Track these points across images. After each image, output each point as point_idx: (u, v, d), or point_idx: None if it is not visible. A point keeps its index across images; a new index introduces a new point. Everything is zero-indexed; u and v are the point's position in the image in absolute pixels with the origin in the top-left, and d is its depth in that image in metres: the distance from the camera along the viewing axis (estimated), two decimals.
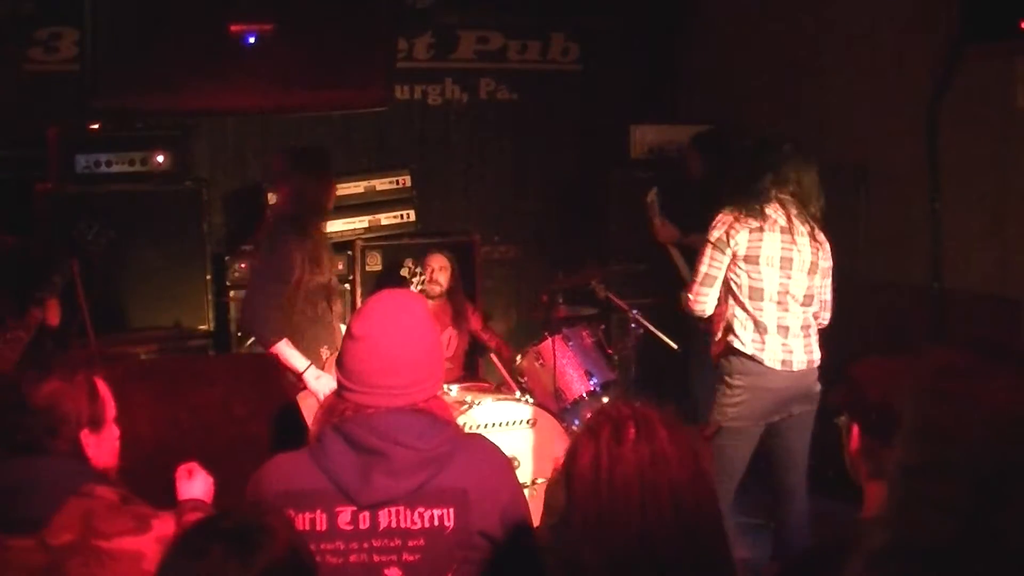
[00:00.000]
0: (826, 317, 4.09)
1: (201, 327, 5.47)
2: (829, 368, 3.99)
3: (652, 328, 5.09)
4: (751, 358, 3.91)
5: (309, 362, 4.10)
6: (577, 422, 4.93)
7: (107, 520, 2.15)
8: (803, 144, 4.00)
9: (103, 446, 2.36)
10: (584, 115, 6.78)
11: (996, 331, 4.37)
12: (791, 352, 3.93)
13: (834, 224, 5.26)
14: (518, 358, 5.13)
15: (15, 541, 2.10)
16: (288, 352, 4.07)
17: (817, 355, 4.02)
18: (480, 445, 2.28)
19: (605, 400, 5.03)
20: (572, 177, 6.73)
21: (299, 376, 4.05)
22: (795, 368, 3.94)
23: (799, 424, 4.01)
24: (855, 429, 2.05)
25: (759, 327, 3.90)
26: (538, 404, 4.68)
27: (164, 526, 2.20)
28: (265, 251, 4.28)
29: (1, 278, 4.24)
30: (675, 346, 5.17)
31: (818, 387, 4.02)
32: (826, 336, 4.05)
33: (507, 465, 2.30)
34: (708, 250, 3.93)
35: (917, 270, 4.89)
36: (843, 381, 2.10)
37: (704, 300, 3.99)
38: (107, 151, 5.25)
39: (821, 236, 3.98)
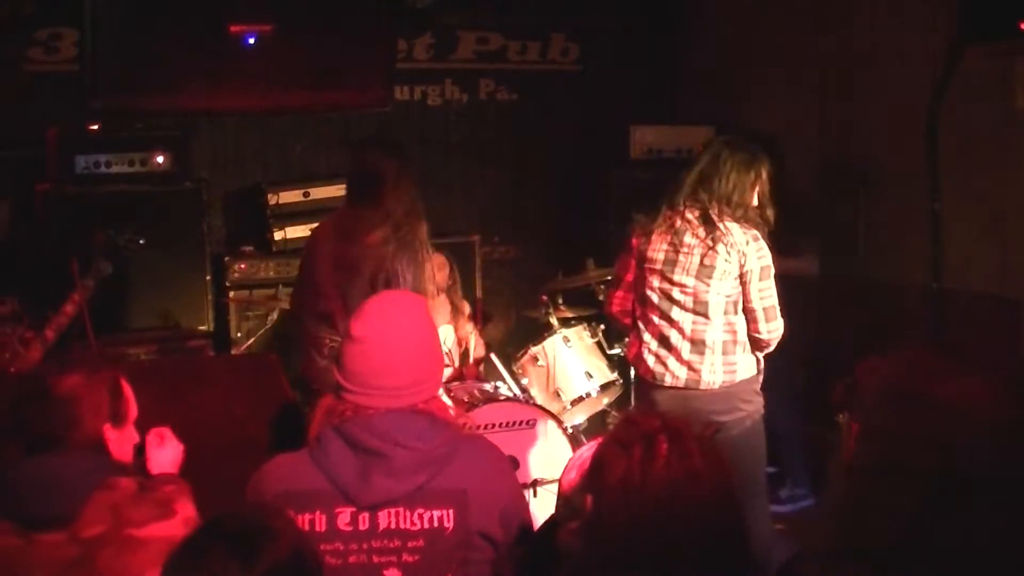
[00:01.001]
0: (767, 328, 3.60)
1: (201, 327, 5.46)
2: (829, 368, 3.96)
3: None
4: (630, 364, 3.85)
5: None
6: (577, 423, 4.93)
7: (134, 509, 2.17)
8: (747, 142, 3.77)
9: (123, 444, 2.38)
10: (584, 115, 6.76)
11: (996, 331, 4.36)
12: (663, 364, 3.65)
13: (834, 224, 5.28)
14: (518, 357, 5.12)
15: (45, 537, 2.12)
16: None
17: (715, 378, 3.59)
18: (479, 446, 2.28)
19: (606, 401, 5.03)
20: (572, 177, 6.72)
21: None
22: (666, 382, 3.64)
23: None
24: (855, 429, 2.05)
25: (638, 332, 3.77)
26: (538, 404, 4.68)
27: (185, 508, 2.24)
28: (411, 269, 3.97)
29: (13, 280, 4.26)
30: None
31: (724, 416, 3.57)
32: (827, 336, 4.02)
33: (506, 466, 2.30)
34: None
35: (917, 270, 4.88)
36: (844, 381, 2.11)
37: (610, 300, 3.95)
38: (107, 151, 5.24)
39: (736, 238, 3.54)
